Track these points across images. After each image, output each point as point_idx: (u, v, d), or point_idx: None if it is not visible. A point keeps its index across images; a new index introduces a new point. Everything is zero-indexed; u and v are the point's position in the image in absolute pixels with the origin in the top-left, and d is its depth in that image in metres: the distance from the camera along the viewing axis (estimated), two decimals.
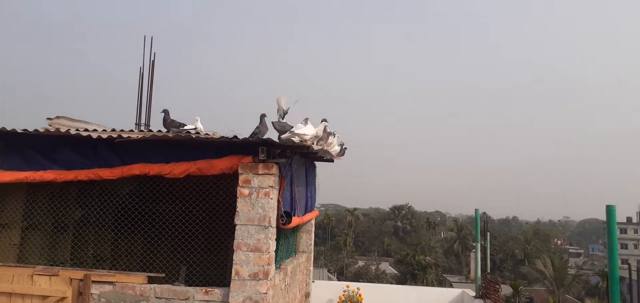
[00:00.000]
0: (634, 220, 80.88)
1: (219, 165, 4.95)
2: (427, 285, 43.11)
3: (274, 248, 5.02)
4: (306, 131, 5.04)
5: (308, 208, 7.07)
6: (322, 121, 5.94)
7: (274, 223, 4.92)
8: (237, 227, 4.81)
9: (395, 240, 77.89)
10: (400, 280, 51.82)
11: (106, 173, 5.09)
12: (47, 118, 6.25)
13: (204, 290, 4.81)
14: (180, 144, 5.10)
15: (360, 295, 10.69)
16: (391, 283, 42.08)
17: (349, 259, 62.20)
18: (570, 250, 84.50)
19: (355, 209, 78.58)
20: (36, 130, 5.06)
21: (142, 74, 7.04)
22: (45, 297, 4.87)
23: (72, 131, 5.11)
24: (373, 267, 57.14)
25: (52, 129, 5.17)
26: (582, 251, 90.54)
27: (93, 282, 4.86)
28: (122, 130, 5.87)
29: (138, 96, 7.18)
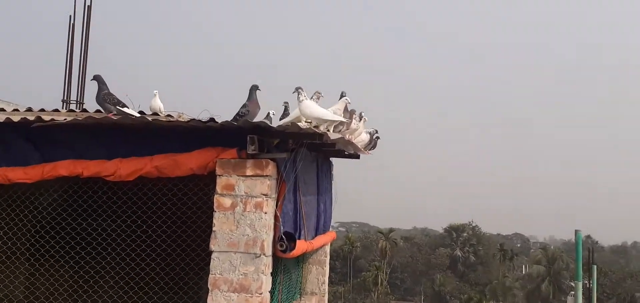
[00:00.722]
0: None
1: (186, 162, 4.98)
2: None
3: (269, 288, 5.06)
4: (317, 111, 5.06)
5: (320, 228, 7.09)
6: (340, 97, 5.94)
7: (269, 250, 4.95)
8: (213, 255, 4.85)
9: (452, 277, 77.80)
10: None
11: (18, 174, 5.14)
12: None
13: None
14: (129, 132, 5.14)
15: None
16: None
17: None
18: None
19: (391, 230, 78.56)
20: None
21: (73, 26, 7.07)
22: None
23: None
24: None
25: None
26: None
27: None
28: (42, 110, 5.92)
29: (66, 59, 7.23)
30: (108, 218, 5.93)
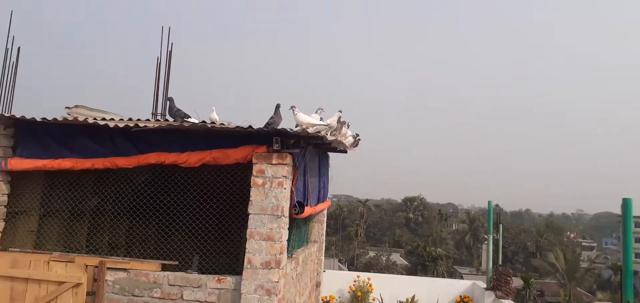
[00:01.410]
0: None
1: (233, 155, 4.98)
2: (437, 276, 43.04)
3: (286, 237, 5.04)
4: (305, 119, 5.03)
5: (320, 199, 7.08)
6: (338, 112, 5.93)
7: (286, 213, 4.94)
8: (250, 216, 4.83)
9: (406, 232, 77.75)
10: (411, 271, 51.76)
11: (122, 162, 5.14)
12: (66, 107, 6.30)
13: (216, 278, 4.84)
14: (195, 134, 5.13)
15: (370, 285, 10.71)
16: (402, 274, 42.09)
17: (360, 250, 62.30)
18: (583, 244, 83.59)
19: (367, 200, 78.45)
20: (55, 119, 5.12)
21: (160, 64, 7.06)
22: (61, 283, 4.95)
23: (90, 120, 5.16)
24: (384, 258, 57.19)
25: (70, 118, 5.22)
26: (595, 244, 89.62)
27: (108, 268, 4.92)
28: (138, 119, 5.91)
29: (155, 86, 7.20)
30: (181, 192, 5.91)
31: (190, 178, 5.75)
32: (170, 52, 7.15)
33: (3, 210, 5.41)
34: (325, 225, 8.55)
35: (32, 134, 5.35)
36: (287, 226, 5.05)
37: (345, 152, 7.81)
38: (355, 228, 65.99)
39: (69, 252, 5.48)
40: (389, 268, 52.31)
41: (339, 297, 10.78)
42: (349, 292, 10.69)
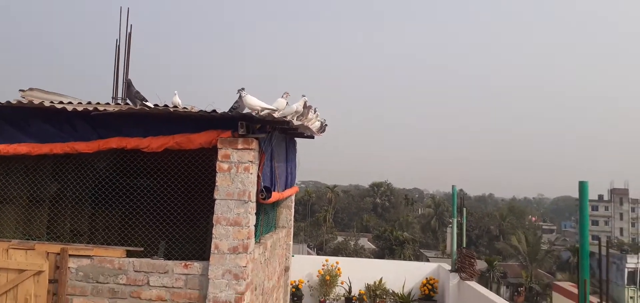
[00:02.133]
0: (605, 198, 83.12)
1: (197, 140, 4.90)
2: (404, 260, 43.78)
3: (254, 222, 5.01)
4: (254, 102, 4.96)
5: (288, 184, 7.06)
6: (302, 96, 5.90)
7: (253, 198, 4.91)
8: (216, 202, 4.78)
9: (374, 216, 78.69)
10: (379, 255, 52.49)
11: (82, 146, 4.99)
12: (20, 90, 6.08)
13: (183, 264, 4.79)
14: (158, 118, 5.02)
15: (338, 269, 10.82)
16: (370, 258, 42.59)
17: (328, 235, 62.75)
18: (544, 227, 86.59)
19: (335, 186, 78.97)
20: (8, 102, 4.93)
21: (119, 46, 6.88)
22: (21, 271, 4.81)
23: (46, 104, 4.99)
24: (352, 243, 57.79)
25: (25, 101, 5.03)
26: (555, 227, 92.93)
27: (70, 255, 4.80)
28: (98, 103, 5.75)
29: (114, 69, 7.03)
30: (145, 177, 5.80)
31: (153, 163, 5.65)
32: (130, 34, 6.99)
33: None
34: (293, 210, 8.55)
35: None
36: (255, 211, 5.01)
37: (313, 137, 7.81)
38: (324, 214, 66.37)
39: (29, 240, 5.32)
40: (357, 253, 52.90)
41: (308, 281, 10.86)
42: (317, 276, 10.78)
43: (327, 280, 10.58)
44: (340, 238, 60.39)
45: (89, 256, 4.83)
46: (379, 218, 77.55)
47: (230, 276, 4.68)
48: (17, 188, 5.68)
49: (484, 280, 40.76)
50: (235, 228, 4.74)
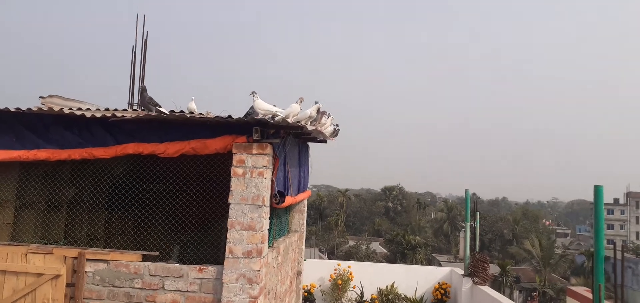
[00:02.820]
0: (621, 201, 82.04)
1: (213, 145, 4.97)
2: (416, 264, 43.58)
3: (267, 227, 5.07)
4: (264, 106, 5.02)
5: (301, 188, 7.11)
6: (315, 102, 5.95)
7: (267, 203, 4.96)
8: (231, 206, 4.84)
9: (386, 220, 78.43)
10: (390, 260, 52.30)
11: (100, 152, 5.08)
12: (40, 97, 6.20)
13: (198, 268, 4.85)
14: (174, 124, 5.10)
15: (350, 274, 10.83)
16: (381, 262, 42.44)
17: (340, 239, 62.68)
18: (558, 231, 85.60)
19: (346, 190, 78.83)
20: (29, 109, 5.04)
21: (135, 53, 6.99)
22: (39, 275, 4.89)
23: (66, 110, 5.09)
24: (364, 247, 57.67)
25: (45, 108, 5.14)
26: (569, 231, 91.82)
27: (87, 259, 4.89)
28: (116, 109, 5.85)
29: (130, 75, 7.14)
30: (160, 182, 5.88)
31: (169, 168, 5.73)
32: (146, 41, 7.10)
33: None
34: (305, 214, 8.59)
35: (6, 125, 5.25)
36: (268, 215, 5.07)
37: (325, 142, 7.85)
38: (335, 218, 66.34)
39: (46, 244, 5.42)
40: (369, 257, 52.74)
41: (320, 285, 10.88)
42: (329, 280, 10.79)
43: (339, 285, 10.60)
44: (351, 243, 60.31)
45: (106, 260, 4.91)
46: (390, 222, 77.28)
47: (244, 280, 4.73)
48: (35, 193, 5.80)
49: (497, 285, 40.39)
50: (249, 233, 4.80)
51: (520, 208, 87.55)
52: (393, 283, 10.91)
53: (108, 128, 5.14)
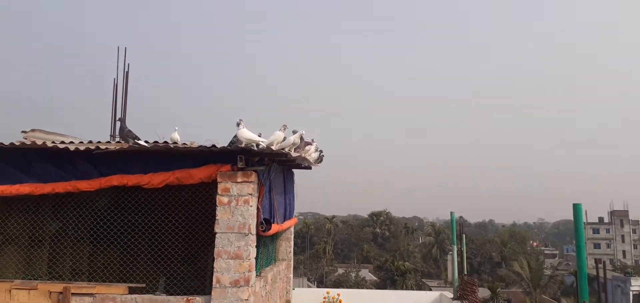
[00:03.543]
0: (606, 220, 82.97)
1: (197, 174, 5.01)
2: (406, 290, 43.38)
3: (255, 255, 5.09)
4: (247, 135, 5.08)
5: (287, 216, 7.15)
6: (295, 132, 6.03)
7: (254, 230, 4.99)
8: (217, 235, 4.87)
9: (374, 247, 78.12)
10: (380, 286, 51.97)
11: (84, 185, 5.10)
12: (22, 131, 6.20)
13: (185, 299, 4.85)
14: (158, 154, 5.14)
15: (340, 301, 10.79)
16: (371, 289, 42.21)
17: (328, 267, 62.17)
18: (546, 252, 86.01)
19: (333, 216, 78.67)
20: (11, 143, 5.04)
21: (116, 85, 7.03)
22: None
23: (49, 144, 5.10)
24: (353, 274, 57.26)
25: (27, 142, 5.15)
26: (557, 252, 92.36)
27: (73, 294, 4.86)
28: (99, 142, 5.87)
29: (112, 107, 7.18)
30: (145, 213, 5.88)
31: (153, 199, 5.73)
32: (127, 73, 7.16)
33: None
34: (292, 242, 8.61)
35: None
36: (255, 244, 5.09)
37: (310, 168, 7.92)
38: (323, 245, 65.88)
39: (30, 279, 5.37)
40: (359, 285, 52.36)
41: None
42: None
43: None
44: (340, 270, 59.85)
45: (92, 294, 4.88)
46: (379, 248, 76.99)
47: None
48: (18, 228, 5.75)
49: None
50: (236, 262, 4.82)
51: (507, 229, 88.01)
52: None
53: (92, 160, 5.16)
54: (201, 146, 4.91)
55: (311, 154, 6.76)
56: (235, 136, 5.30)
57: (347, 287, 45.68)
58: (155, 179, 5.08)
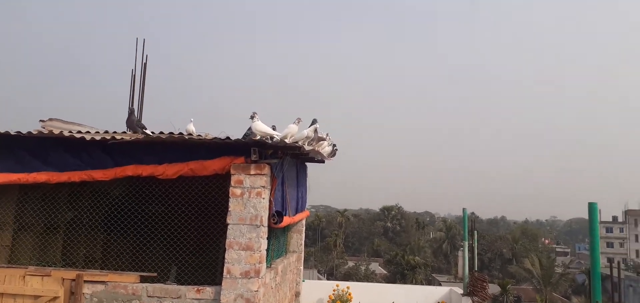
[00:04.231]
0: (620, 219, 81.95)
1: (211, 166, 5.02)
2: (416, 284, 43.30)
3: (265, 247, 5.09)
4: (261, 128, 5.08)
5: (299, 209, 7.14)
6: (312, 123, 6.02)
7: (265, 223, 4.99)
8: (229, 226, 4.88)
9: (385, 241, 78.05)
10: (390, 280, 51.96)
11: (99, 175, 5.13)
12: (40, 120, 6.26)
13: (195, 289, 4.86)
14: (173, 145, 5.15)
15: (349, 294, 10.78)
16: (381, 283, 42.22)
17: (338, 260, 62.24)
18: (558, 249, 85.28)
19: (345, 210, 78.56)
20: (29, 132, 5.09)
21: (134, 76, 7.06)
22: (37, 297, 4.90)
23: (66, 133, 5.14)
24: (363, 268, 57.27)
25: (45, 131, 5.20)
26: (568, 250, 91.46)
27: (85, 281, 4.90)
28: (115, 132, 5.90)
29: (129, 98, 7.20)
30: (158, 203, 5.92)
31: (167, 189, 5.76)
32: (145, 64, 7.18)
33: None
34: (303, 235, 8.61)
35: (6, 148, 5.30)
36: (266, 236, 5.10)
37: (323, 162, 7.90)
38: (334, 238, 65.99)
39: (44, 266, 5.43)
40: (368, 278, 52.39)
41: None
42: (328, 301, 10.74)
43: None
44: (350, 263, 59.88)
45: (103, 282, 4.92)
46: (390, 242, 76.89)
47: (242, 300, 4.74)
48: (33, 215, 5.82)
49: None
50: (247, 253, 4.82)
51: (519, 226, 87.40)
52: None
53: (107, 150, 5.19)
54: (215, 137, 4.92)
55: (324, 148, 6.74)
56: (250, 129, 5.30)
57: (357, 280, 45.73)
58: (169, 170, 5.09)
